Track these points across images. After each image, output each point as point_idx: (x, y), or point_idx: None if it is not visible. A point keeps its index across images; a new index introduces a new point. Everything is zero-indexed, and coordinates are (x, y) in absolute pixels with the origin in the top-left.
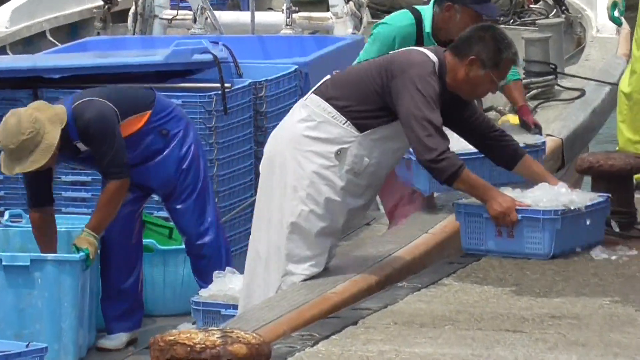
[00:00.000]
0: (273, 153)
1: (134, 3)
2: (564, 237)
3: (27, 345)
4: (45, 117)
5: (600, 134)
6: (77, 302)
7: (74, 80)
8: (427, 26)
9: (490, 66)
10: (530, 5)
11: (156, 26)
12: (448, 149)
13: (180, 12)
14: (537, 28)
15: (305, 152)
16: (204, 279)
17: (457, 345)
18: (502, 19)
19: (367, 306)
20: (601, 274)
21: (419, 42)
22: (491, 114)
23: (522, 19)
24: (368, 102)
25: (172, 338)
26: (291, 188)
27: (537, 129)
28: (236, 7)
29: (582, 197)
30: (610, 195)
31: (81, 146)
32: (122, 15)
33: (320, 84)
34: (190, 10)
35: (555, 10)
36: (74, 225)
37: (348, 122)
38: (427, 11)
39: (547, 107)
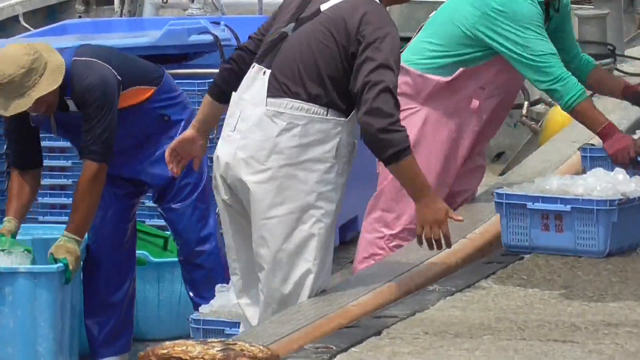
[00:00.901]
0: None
1: None
2: (621, 231)
3: None
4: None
5: None
6: (56, 322)
7: None
8: None
9: None
10: None
11: (147, 7)
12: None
13: None
14: (592, 5)
15: (301, 163)
16: (200, 293)
17: (498, 358)
18: None
19: (393, 313)
20: None
21: None
22: (539, 107)
23: None
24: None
25: (165, 351)
26: (296, 210)
27: None
28: None
29: None
30: None
31: (71, 104)
32: None
33: (268, 85)
34: None
35: None
36: (52, 234)
37: (329, 110)
38: None
39: (604, 97)
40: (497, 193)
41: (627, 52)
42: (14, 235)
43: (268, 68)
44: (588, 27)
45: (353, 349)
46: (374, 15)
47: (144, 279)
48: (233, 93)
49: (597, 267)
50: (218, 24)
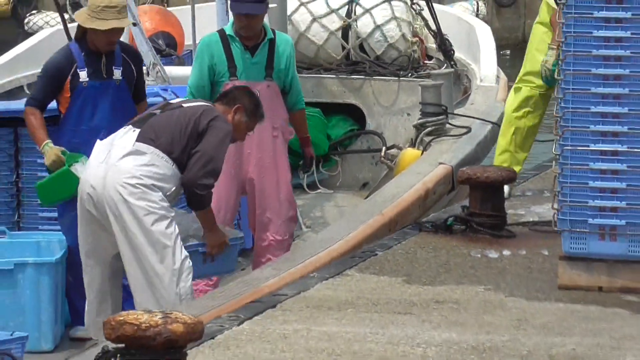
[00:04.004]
0: None
1: None
2: None
3: (11, 334)
4: None
5: (483, 164)
6: (54, 298)
7: (48, 120)
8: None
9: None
10: (425, 61)
11: None
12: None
13: None
14: (431, 78)
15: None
16: None
17: (358, 325)
18: (401, 72)
19: (284, 292)
20: (477, 267)
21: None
22: (393, 151)
23: (418, 73)
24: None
25: (121, 318)
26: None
27: (310, 160)
28: (181, 64)
29: None
30: None
31: (117, 73)
32: None
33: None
34: (144, 65)
35: (445, 64)
36: (45, 238)
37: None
38: None
39: (440, 141)
40: None
41: (456, 111)
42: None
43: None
44: (428, 93)
45: (256, 317)
46: None
47: None
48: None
49: (429, 262)
50: (166, 90)
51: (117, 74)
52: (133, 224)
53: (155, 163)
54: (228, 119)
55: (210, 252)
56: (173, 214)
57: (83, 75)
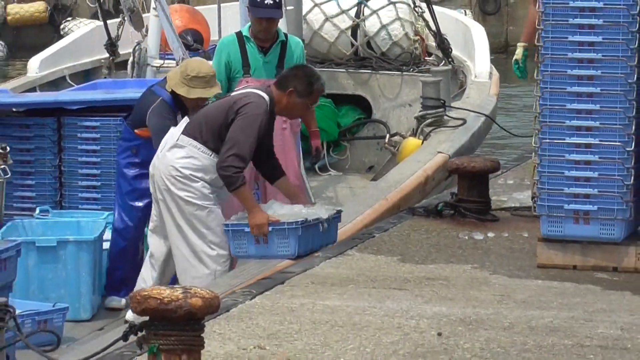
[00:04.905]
0: None
1: (131, 54)
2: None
3: (53, 305)
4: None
5: (477, 152)
6: (92, 272)
7: (87, 110)
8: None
9: (304, 95)
10: (425, 58)
11: (148, 72)
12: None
13: (167, 61)
14: (431, 74)
15: None
16: None
17: (358, 299)
18: (404, 67)
19: (291, 270)
20: (464, 248)
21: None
22: (396, 138)
23: (419, 68)
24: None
25: (146, 293)
26: None
27: (317, 153)
28: (207, 58)
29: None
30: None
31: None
32: (123, 64)
33: None
34: (174, 59)
35: (444, 61)
36: (85, 218)
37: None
38: None
39: (438, 132)
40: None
41: (452, 104)
42: None
43: None
44: (428, 88)
45: (267, 292)
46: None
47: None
48: None
49: (422, 243)
50: None
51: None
52: (175, 211)
53: (193, 155)
54: (282, 102)
55: (252, 233)
56: (212, 202)
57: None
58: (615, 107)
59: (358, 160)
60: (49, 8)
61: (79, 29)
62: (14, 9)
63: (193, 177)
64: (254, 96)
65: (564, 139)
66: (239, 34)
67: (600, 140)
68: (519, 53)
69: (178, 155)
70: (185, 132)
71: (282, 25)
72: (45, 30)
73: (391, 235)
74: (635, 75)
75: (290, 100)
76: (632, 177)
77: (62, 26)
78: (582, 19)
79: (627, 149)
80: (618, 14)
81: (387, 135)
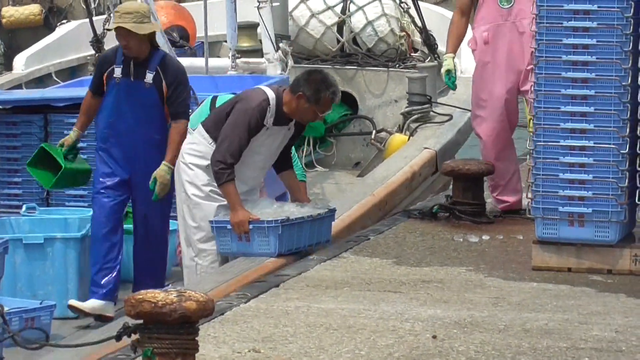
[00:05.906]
0: None
1: None
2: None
3: (40, 303)
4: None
5: (462, 147)
6: (79, 269)
7: (73, 107)
8: None
9: (312, 101)
10: (411, 54)
11: None
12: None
13: None
14: (417, 70)
15: None
16: None
17: (352, 302)
18: (390, 63)
19: (286, 273)
20: (459, 250)
21: None
22: (382, 134)
23: (405, 64)
24: None
25: (140, 296)
26: None
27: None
28: (193, 54)
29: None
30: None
31: (149, 77)
32: None
33: None
34: None
35: (429, 57)
36: (72, 215)
37: None
38: None
39: (425, 128)
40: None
41: (438, 100)
42: (75, 143)
43: None
44: (414, 84)
45: (261, 295)
46: None
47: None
48: None
49: (417, 245)
50: None
51: (149, 77)
52: (181, 194)
53: (196, 141)
54: (292, 105)
55: (233, 230)
56: (204, 195)
57: (117, 71)
58: (609, 110)
59: (344, 157)
60: (44, 11)
61: (65, 25)
62: (9, 12)
63: (193, 164)
64: (255, 92)
65: (559, 142)
66: None
67: (594, 143)
68: (450, 64)
69: (187, 141)
70: (203, 120)
71: (268, 21)
72: (41, 33)
73: (386, 237)
74: (630, 78)
75: (298, 104)
76: (627, 180)
77: (57, 29)
78: (576, 22)
79: (622, 151)
80: (612, 17)
81: (374, 131)
